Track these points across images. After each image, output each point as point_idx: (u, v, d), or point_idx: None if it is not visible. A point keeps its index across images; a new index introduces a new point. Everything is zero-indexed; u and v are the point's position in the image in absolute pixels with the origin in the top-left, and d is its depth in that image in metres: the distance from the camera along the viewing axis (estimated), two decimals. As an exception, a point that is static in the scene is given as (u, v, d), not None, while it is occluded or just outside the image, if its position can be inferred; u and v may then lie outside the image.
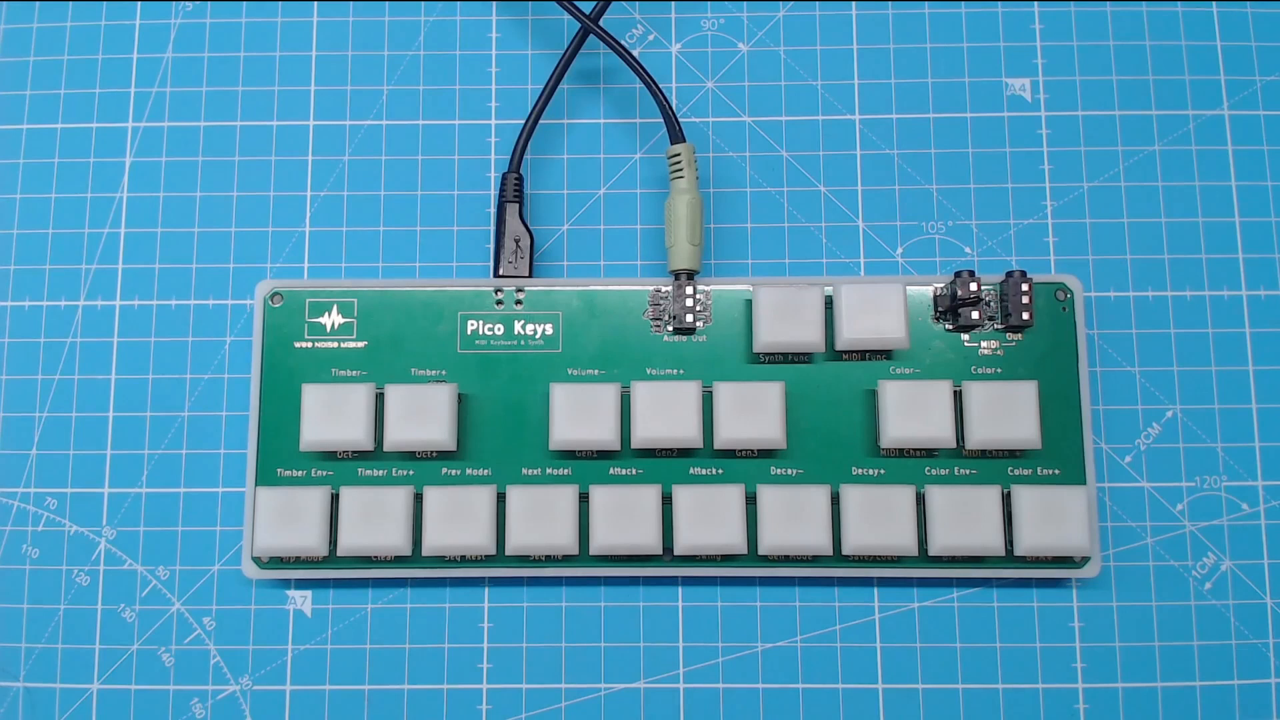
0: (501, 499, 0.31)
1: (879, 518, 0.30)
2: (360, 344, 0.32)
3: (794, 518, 0.30)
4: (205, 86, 0.35)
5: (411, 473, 0.31)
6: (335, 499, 0.31)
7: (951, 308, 0.31)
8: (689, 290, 0.31)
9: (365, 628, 0.32)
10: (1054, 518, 0.30)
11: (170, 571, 0.32)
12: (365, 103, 0.34)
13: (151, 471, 0.32)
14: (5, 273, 0.34)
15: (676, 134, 0.32)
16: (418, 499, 0.31)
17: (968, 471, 0.31)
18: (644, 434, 0.30)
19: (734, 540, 0.30)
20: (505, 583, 0.32)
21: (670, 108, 0.32)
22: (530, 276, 0.32)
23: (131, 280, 0.34)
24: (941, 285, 0.32)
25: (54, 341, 0.33)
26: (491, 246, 0.33)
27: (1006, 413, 0.30)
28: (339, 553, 0.30)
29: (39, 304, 0.33)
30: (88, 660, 0.32)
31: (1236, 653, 0.31)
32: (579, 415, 0.30)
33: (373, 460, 0.31)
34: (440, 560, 0.31)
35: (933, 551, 0.30)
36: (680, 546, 0.30)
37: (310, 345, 0.32)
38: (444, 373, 0.32)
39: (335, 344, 0.32)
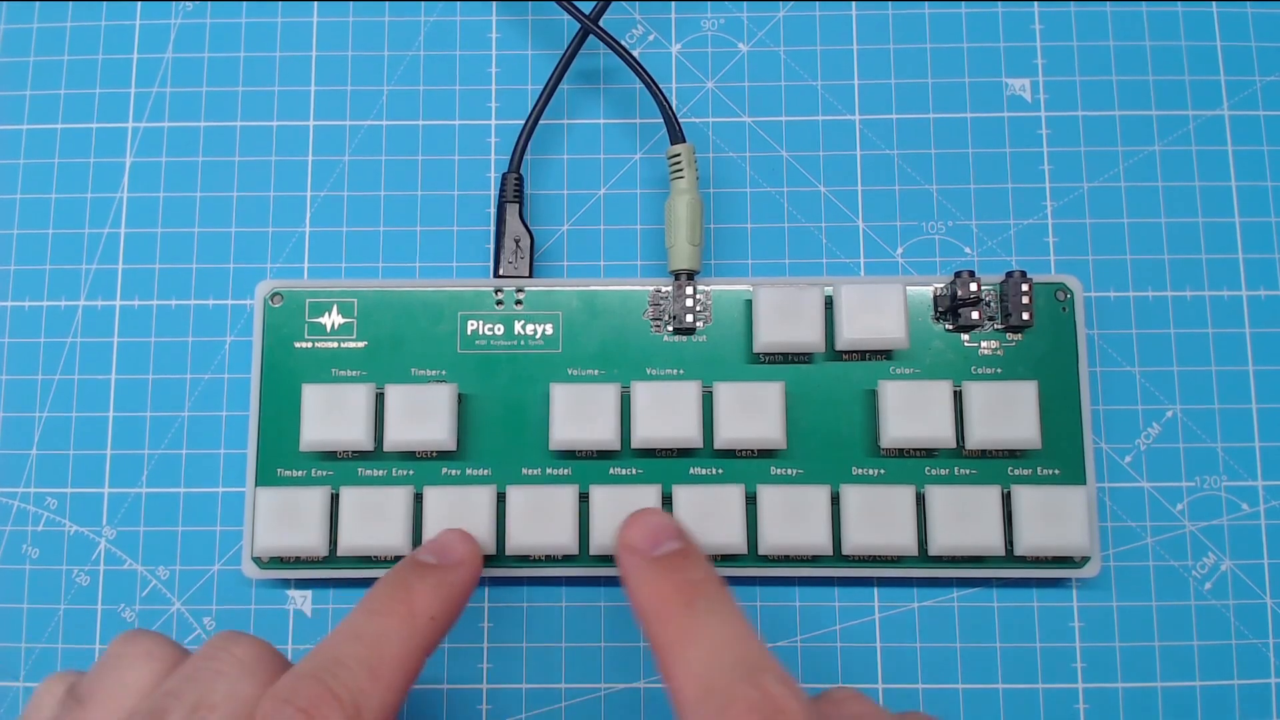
0: (501, 499, 0.31)
1: (879, 518, 0.30)
2: (360, 344, 0.32)
3: (794, 518, 0.30)
4: (205, 87, 0.35)
5: (411, 473, 0.31)
6: (335, 499, 0.31)
7: (951, 308, 0.31)
8: (689, 290, 0.31)
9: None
10: (1054, 518, 0.30)
11: (170, 571, 0.32)
12: (365, 103, 0.34)
13: (151, 471, 0.32)
14: (5, 273, 0.34)
15: (676, 134, 0.32)
16: (418, 499, 0.31)
17: (968, 471, 0.31)
18: (644, 434, 0.30)
19: (734, 540, 0.30)
20: (505, 583, 0.32)
21: (670, 108, 0.32)
22: (530, 276, 0.32)
23: (131, 280, 0.34)
24: (941, 285, 0.32)
25: (54, 341, 0.33)
26: (491, 246, 0.33)
27: (1006, 413, 0.30)
28: (339, 553, 0.30)
29: (39, 304, 0.33)
30: (88, 660, 0.32)
31: (1236, 653, 0.31)
32: (579, 415, 0.30)
33: (373, 460, 0.31)
34: (440, 560, 0.31)
35: (933, 551, 0.30)
36: (680, 546, 0.30)
37: (310, 345, 0.32)
38: (444, 373, 0.32)
39: (335, 344, 0.32)
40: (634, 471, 0.31)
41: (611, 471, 0.31)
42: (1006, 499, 0.31)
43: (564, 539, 0.30)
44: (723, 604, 0.23)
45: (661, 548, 0.25)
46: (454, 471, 0.31)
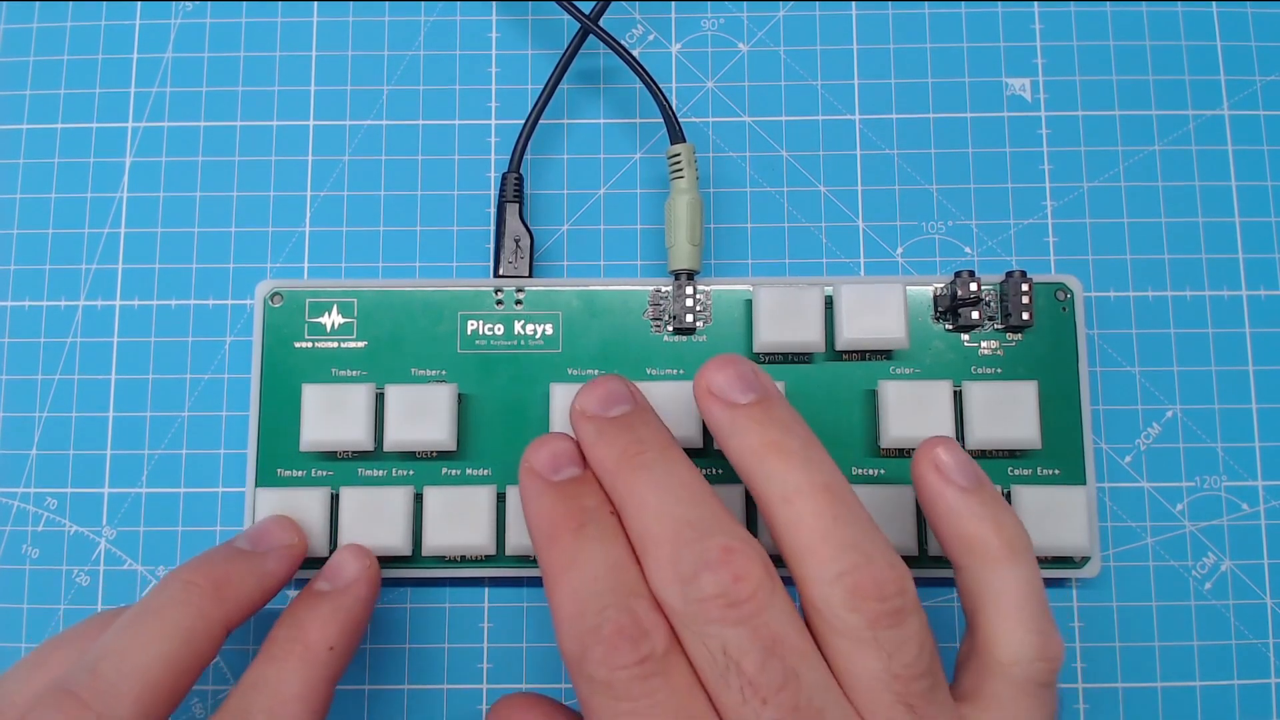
0: (501, 499, 0.31)
1: (879, 517, 0.30)
2: (360, 344, 0.32)
3: (794, 518, 0.30)
4: (205, 86, 0.35)
5: (411, 473, 0.31)
6: (335, 499, 0.31)
7: (951, 308, 0.31)
8: (689, 290, 0.31)
9: (366, 628, 0.31)
10: (1054, 518, 0.30)
11: (170, 571, 0.32)
12: (365, 103, 0.34)
13: (151, 471, 0.32)
14: (5, 273, 0.34)
15: (676, 134, 0.32)
16: (418, 499, 0.31)
17: (968, 471, 0.31)
18: (644, 434, 0.30)
19: (734, 540, 0.30)
20: (505, 583, 0.32)
21: (670, 108, 0.32)
22: (530, 276, 0.32)
23: (131, 280, 0.34)
24: (941, 285, 0.32)
25: (54, 341, 0.33)
26: (491, 246, 0.33)
27: (1006, 413, 0.30)
28: (339, 553, 0.30)
29: (39, 304, 0.33)
30: (88, 660, 0.32)
31: (1236, 653, 0.31)
32: (579, 415, 0.30)
33: (373, 460, 0.31)
34: (440, 560, 0.31)
35: (933, 552, 0.30)
36: (680, 546, 0.30)
37: (310, 345, 0.32)
38: (444, 373, 0.32)
39: (335, 344, 0.32)
40: (634, 471, 0.31)
41: (611, 471, 0.31)
42: (1007, 499, 0.31)
43: (564, 539, 0.30)
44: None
45: (561, 473, 0.25)
46: (454, 471, 0.31)
